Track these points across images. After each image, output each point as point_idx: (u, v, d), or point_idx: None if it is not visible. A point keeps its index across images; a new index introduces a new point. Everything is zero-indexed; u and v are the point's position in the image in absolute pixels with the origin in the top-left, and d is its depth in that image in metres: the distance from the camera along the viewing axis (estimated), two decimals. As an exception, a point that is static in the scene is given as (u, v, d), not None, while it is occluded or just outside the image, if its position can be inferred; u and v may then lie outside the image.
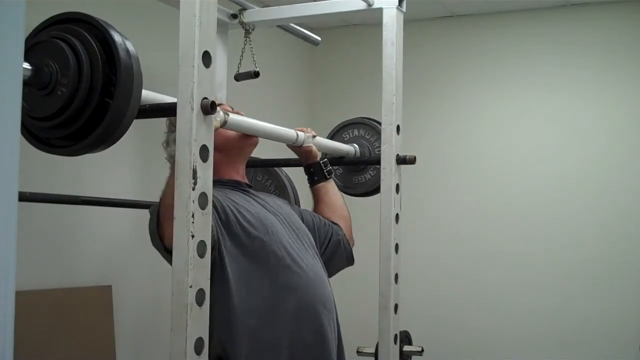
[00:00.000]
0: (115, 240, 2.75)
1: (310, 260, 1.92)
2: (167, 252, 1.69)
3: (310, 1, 2.51)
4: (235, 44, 2.56)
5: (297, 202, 2.48)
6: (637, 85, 3.60)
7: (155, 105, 1.56)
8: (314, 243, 2.02)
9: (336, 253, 2.14)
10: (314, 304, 1.85)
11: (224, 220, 1.77)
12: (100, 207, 2.49)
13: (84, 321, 2.53)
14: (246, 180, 2.04)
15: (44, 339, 2.35)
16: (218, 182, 1.53)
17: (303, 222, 2.06)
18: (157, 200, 1.86)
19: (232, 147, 1.96)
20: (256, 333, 1.75)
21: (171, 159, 1.95)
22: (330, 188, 2.24)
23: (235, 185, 1.97)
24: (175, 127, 1.68)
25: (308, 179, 2.25)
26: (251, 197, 1.96)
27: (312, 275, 1.88)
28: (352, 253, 2.19)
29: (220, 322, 1.70)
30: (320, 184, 2.22)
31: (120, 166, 2.77)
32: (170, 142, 1.96)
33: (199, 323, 1.37)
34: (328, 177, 2.23)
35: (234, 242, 1.77)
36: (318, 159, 2.22)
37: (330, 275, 2.04)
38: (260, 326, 1.76)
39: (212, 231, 1.46)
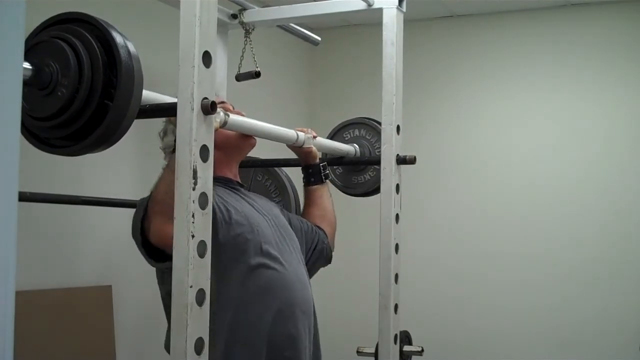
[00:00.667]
0: (115, 240, 2.75)
1: (293, 263, 1.93)
2: (143, 245, 1.69)
3: (310, 1, 2.51)
4: (236, 44, 2.56)
5: (297, 202, 2.48)
6: (637, 85, 3.60)
7: (156, 105, 1.56)
8: (299, 246, 2.03)
9: (319, 259, 2.17)
10: (292, 307, 1.85)
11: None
12: (100, 207, 2.49)
13: (84, 321, 2.53)
14: (238, 179, 2.05)
15: (44, 339, 2.35)
16: None
17: (291, 226, 2.07)
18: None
19: (231, 146, 1.97)
20: (233, 329, 1.76)
21: (167, 149, 1.96)
22: (325, 192, 2.24)
23: (226, 183, 1.97)
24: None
25: (304, 179, 2.25)
26: (240, 195, 1.96)
27: (293, 278, 1.88)
28: (331, 257, 2.23)
29: None
30: (316, 187, 2.23)
31: (120, 166, 2.77)
32: (168, 132, 1.96)
33: (199, 323, 1.37)
34: (324, 180, 2.23)
35: (217, 238, 1.76)
36: (317, 160, 2.22)
37: (309, 276, 2.05)
38: (237, 321, 1.77)
39: None
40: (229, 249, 1.79)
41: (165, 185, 1.43)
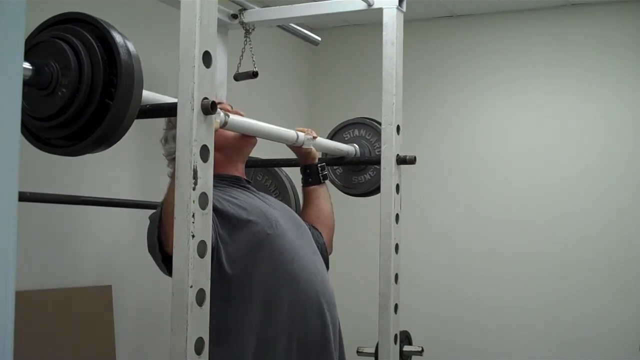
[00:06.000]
0: (115, 240, 2.75)
1: (312, 256, 1.94)
2: (163, 261, 1.68)
3: (310, 1, 2.51)
4: (236, 44, 2.56)
5: (297, 202, 2.48)
6: (637, 85, 3.60)
7: (156, 105, 1.56)
8: (312, 239, 2.03)
9: None
10: (318, 298, 1.86)
11: (225, 222, 1.76)
12: (100, 207, 2.49)
13: (84, 321, 2.53)
14: (245, 177, 2.05)
15: (44, 339, 2.35)
16: (218, 177, 1.53)
17: None
18: (158, 200, 1.86)
19: (231, 146, 1.96)
20: (261, 327, 1.76)
21: (169, 156, 1.96)
22: (322, 193, 2.23)
23: (235, 181, 1.97)
24: (174, 124, 1.67)
25: (302, 179, 2.25)
26: (252, 193, 1.97)
27: (315, 270, 1.90)
28: (328, 261, 2.19)
29: (221, 322, 1.71)
30: (313, 187, 2.22)
31: (120, 166, 2.77)
32: (168, 139, 1.96)
33: (199, 323, 1.37)
34: (322, 181, 2.23)
35: (236, 239, 1.77)
36: (316, 161, 2.22)
37: None
38: (265, 319, 1.77)
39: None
40: (251, 246, 1.79)
41: (174, 198, 1.43)
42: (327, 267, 2.17)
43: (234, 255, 1.76)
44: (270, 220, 1.85)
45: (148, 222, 1.75)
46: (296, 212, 2.32)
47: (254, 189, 2.02)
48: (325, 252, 2.17)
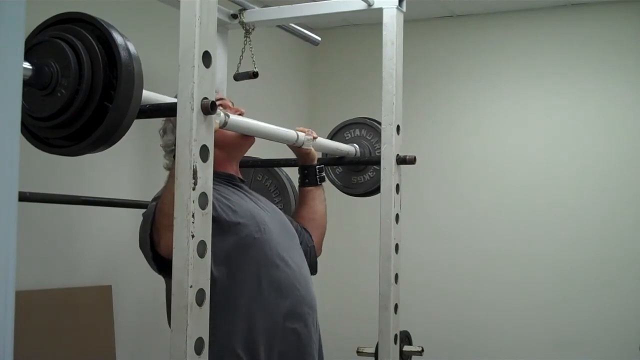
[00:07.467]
0: (115, 240, 2.75)
1: (298, 260, 1.93)
2: (154, 259, 1.68)
3: (310, 1, 2.51)
4: (236, 44, 2.57)
5: (297, 202, 2.48)
6: (637, 85, 3.60)
7: (156, 105, 1.56)
8: (299, 243, 2.03)
9: None
10: (301, 305, 1.86)
11: (213, 224, 1.75)
12: (100, 207, 2.49)
13: (84, 321, 2.53)
14: (240, 175, 2.05)
15: (44, 339, 2.35)
16: (214, 174, 1.52)
17: None
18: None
19: (231, 145, 1.96)
20: (243, 332, 1.76)
21: (167, 147, 1.96)
22: (318, 195, 2.23)
23: (229, 179, 1.97)
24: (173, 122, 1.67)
25: (299, 179, 2.25)
26: (244, 193, 1.96)
27: (298, 276, 1.89)
28: (316, 264, 2.18)
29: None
30: (310, 188, 2.22)
31: (120, 166, 2.77)
32: (167, 130, 1.96)
33: (199, 323, 1.37)
34: (319, 183, 2.23)
35: (223, 242, 1.76)
36: (315, 162, 2.22)
37: None
38: (247, 324, 1.77)
39: None
40: (237, 250, 1.79)
41: (171, 196, 1.42)
42: (315, 270, 2.16)
43: (220, 258, 1.75)
44: (258, 224, 1.85)
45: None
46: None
47: (247, 189, 2.01)
48: (313, 255, 2.15)
